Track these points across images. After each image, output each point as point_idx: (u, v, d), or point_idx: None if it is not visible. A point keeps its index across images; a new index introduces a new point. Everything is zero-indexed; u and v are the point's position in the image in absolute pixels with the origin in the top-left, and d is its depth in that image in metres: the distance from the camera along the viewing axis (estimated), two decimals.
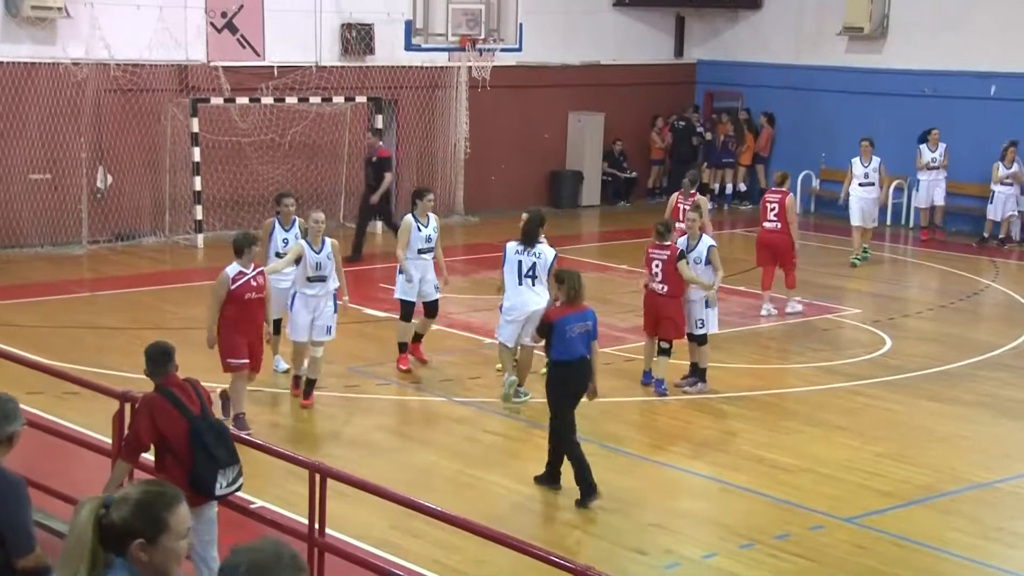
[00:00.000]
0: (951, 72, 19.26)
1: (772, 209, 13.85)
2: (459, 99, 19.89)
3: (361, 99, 18.92)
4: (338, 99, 18.72)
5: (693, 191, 13.82)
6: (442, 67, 19.82)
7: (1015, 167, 17.90)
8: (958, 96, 19.17)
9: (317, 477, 6.51)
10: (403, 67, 19.35)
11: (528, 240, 10.54)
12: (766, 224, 13.95)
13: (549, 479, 8.77)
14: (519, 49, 20.22)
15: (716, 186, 22.15)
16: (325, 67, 18.70)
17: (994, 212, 17.99)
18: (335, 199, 19.35)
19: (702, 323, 11.01)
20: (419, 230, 11.35)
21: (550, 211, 20.76)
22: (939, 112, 19.30)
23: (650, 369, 11.07)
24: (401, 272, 11.38)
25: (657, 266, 10.86)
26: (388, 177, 16.73)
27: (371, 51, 19.06)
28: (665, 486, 9.03)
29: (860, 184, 16.78)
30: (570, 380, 8.55)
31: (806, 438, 9.94)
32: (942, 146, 18.07)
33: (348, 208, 19.31)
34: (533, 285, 10.48)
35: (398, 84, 19.34)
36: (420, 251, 11.39)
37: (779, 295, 14.16)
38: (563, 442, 8.61)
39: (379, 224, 17.78)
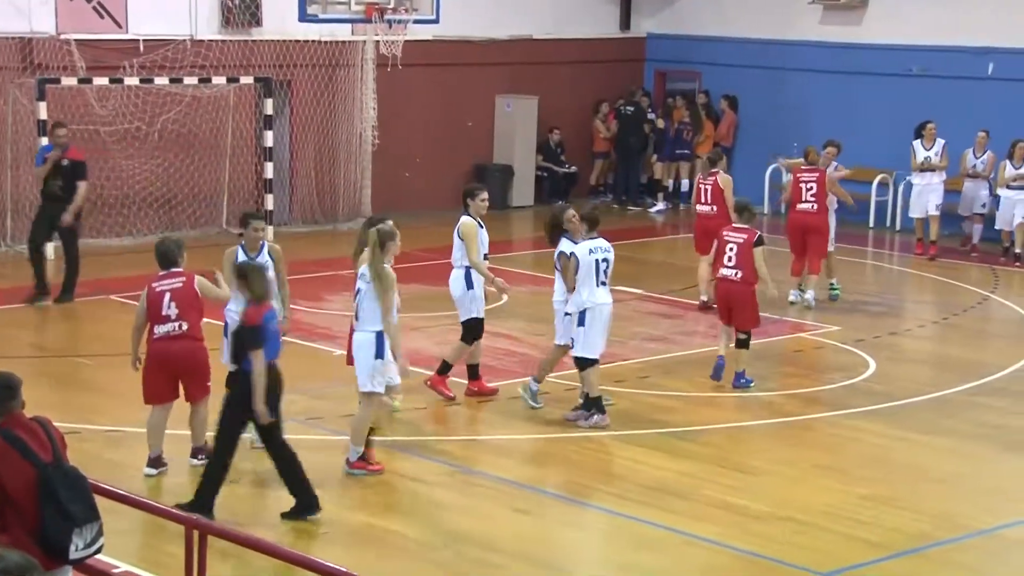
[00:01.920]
0: (942, 48, 19.67)
1: (809, 188, 15.03)
2: (365, 80, 19.84)
3: (247, 80, 18.78)
4: (219, 80, 18.56)
5: (714, 170, 14.86)
6: (344, 42, 19.76)
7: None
8: (951, 76, 19.57)
9: (195, 534, 6.42)
10: (297, 42, 19.26)
11: (553, 236, 11.17)
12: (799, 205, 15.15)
13: (302, 508, 8.92)
14: (436, 21, 20.23)
15: (670, 182, 22.36)
16: (202, 41, 18.54)
17: (1002, 220, 18.05)
18: (216, 199, 19.17)
19: (574, 342, 10.93)
20: (482, 228, 11.47)
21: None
22: (929, 94, 19.67)
23: (722, 358, 12.00)
24: (471, 286, 11.38)
25: (731, 249, 11.82)
26: (83, 187, 14.79)
27: (258, 22, 18.94)
28: (615, 537, 9.05)
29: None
30: (276, 382, 8.95)
31: (779, 480, 10.04)
32: (939, 142, 17.87)
33: (232, 210, 19.14)
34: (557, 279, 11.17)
35: (291, 62, 19.25)
36: (484, 256, 11.44)
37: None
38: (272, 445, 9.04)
39: (52, 247, 15.67)
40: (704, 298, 14.93)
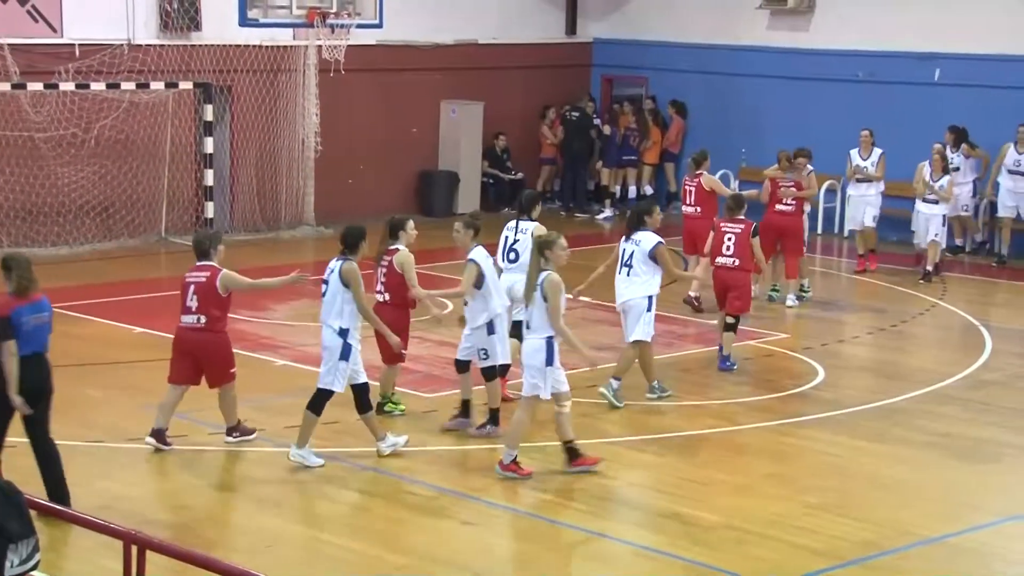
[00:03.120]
0: (889, 53, 19.92)
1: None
2: (307, 85, 19.79)
3: (186, 85, 18.68)
4: (157, 85, 18.45)
5: (699, 172, 15.48)
6: (286, 46, 19.70)
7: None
8: (897, 81, 19.83)
9: (134, 549, 6.37)
10: (237, 46, 19.17)
11: (632, 225, 11.96)
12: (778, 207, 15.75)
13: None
14: (379, 25, 20.19)
15: (617, 189, 22.46)
16: (140, 46, 18.42)
17: (917, 235, 17.57)
18: (155, 207, 19.04)
19: (486, 353, 10.93)
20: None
21: (420, 220, 20.85)
22: (876, 99, 19.91)
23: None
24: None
25: (730, 239, 12.93)
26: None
27: (197, 26, 18.84)
28: (563, 549, 9.07)
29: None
30: (28, 378, 8.90)
31: (728, 489, 10.11)
32: (876, 151, 17.50)
33: (171, 218, 19.01)
34: (628, 275, 11.83)
35: (232, 67, 19.15)
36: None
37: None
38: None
39: None
40: (693, 294, 15.33)
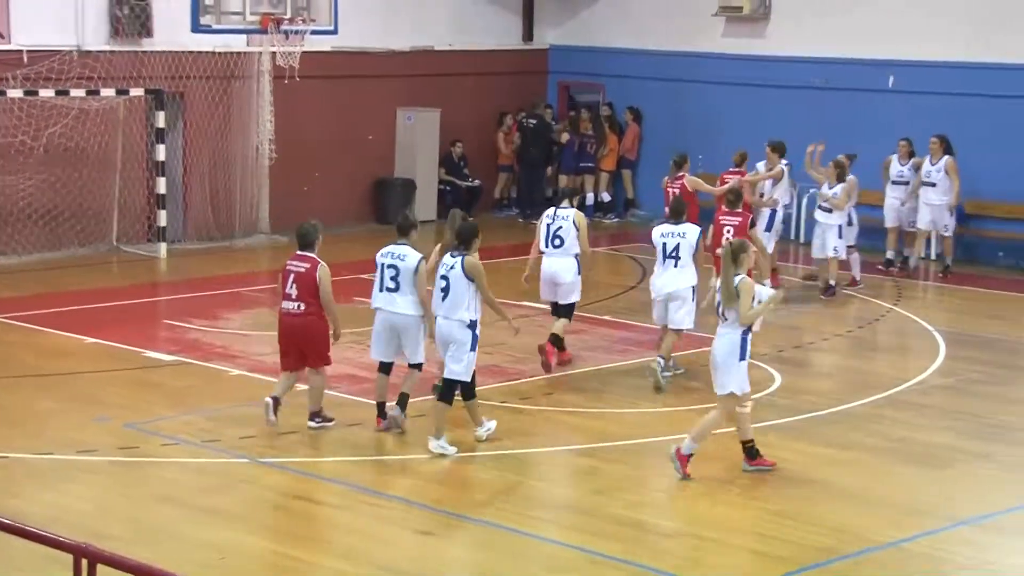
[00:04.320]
0: (844, 60, 20.11)
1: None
2: (261, 92, 19.75)
3: (137, 92, 18.59)
4: (107, 92, 18.34)
5: (680, 173, 15.77)
6: (239, 53, 19.64)
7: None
8: (852, 88, 20.02)
9: (84, 563, 6.34)
10: (190, 53, 19.10)
11: (674, 218, 12.89)
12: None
13: None
14: (335, 31, 20.17)
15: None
16: (90, 52, 18.31)
17: (815, 247, 17.29)
18: (106, 215, 18.92)
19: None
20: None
21: (376, 228, 20.94)
22: (832, 106, 20.10)
23: None
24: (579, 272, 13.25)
25: (728, 232, 13.76)
26: None
27: (148, 33, 18.75)
28: (521, 558, 9.09)
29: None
30: None
31: (686, 495, 10.17)
32: (851, 179, 16.81)
33: (123, 227, 18.90)
34: (676, 265, 12.70)
35: (184, 74, 19.08)
36: None
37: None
38: None
39: None
40: None
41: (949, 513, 9.87)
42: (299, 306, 10.98)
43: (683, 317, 12.86)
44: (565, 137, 22.33)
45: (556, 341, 13.22)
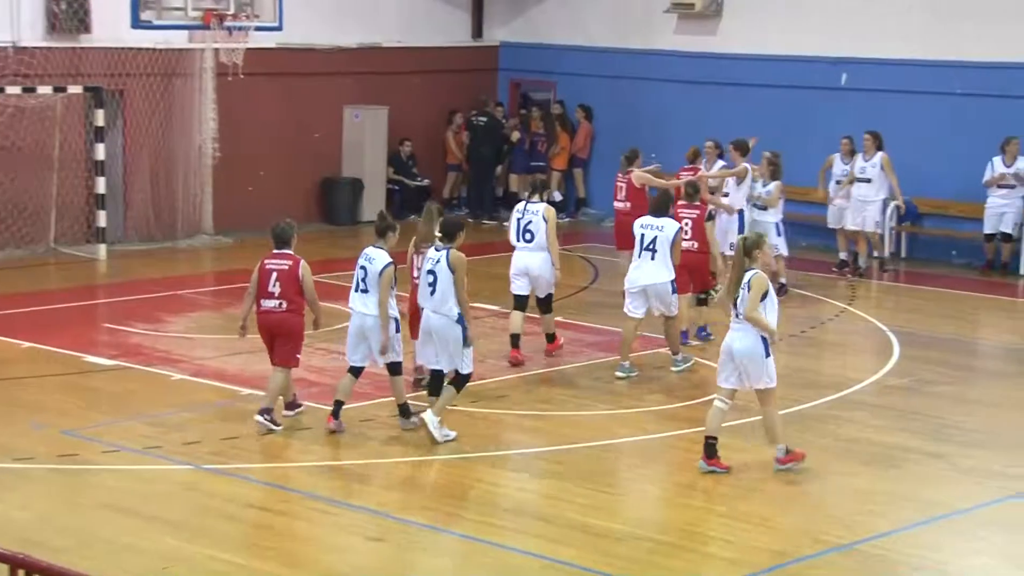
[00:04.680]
0: (796, 58, 20.27)
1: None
2: (204, 90, 19.61)
3: (75, 89, 18.41)
4: (44, 89, 18.16)
5: (630, 168, 16.12)
6: (181, 50, 19.51)
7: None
8: (805, 86, 20.18)
9: (21, 574, 6.28)
10: (130, 49, 18.94)
11: (656, 212, 13.21)
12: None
13: None
14: (279, 28, 20.12)
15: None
16: (26, 48, 18.12)
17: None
18: (43, 216, 18.72)
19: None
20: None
21: (323, 228, 20.87)
22: (783, 104, 20.25)
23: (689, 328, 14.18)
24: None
25: (687, 224, 13.98)
26: None
27: (87, 29, 18.58)
28: (474, 564, 9.09)
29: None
30: None
31: (640, 499, 10.21)
32: (774, 184, 16.87)
33: (61, 227, 18.73)
34: (652, 258, 12.98)
35: (124, 71, 18.92)
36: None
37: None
38: None
39: None
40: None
41: (903, 514, 9.97)
42: (281, 304, 11.18)
43: (671, 308, 13.25)
44: (516, 136, 22.35)
45: (548, 337, 13.84)
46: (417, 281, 11.78)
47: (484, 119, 22.33)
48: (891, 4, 19.68)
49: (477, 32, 23.43)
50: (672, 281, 13.09)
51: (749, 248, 10.48)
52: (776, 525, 9.69)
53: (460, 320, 10.91)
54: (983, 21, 18.89)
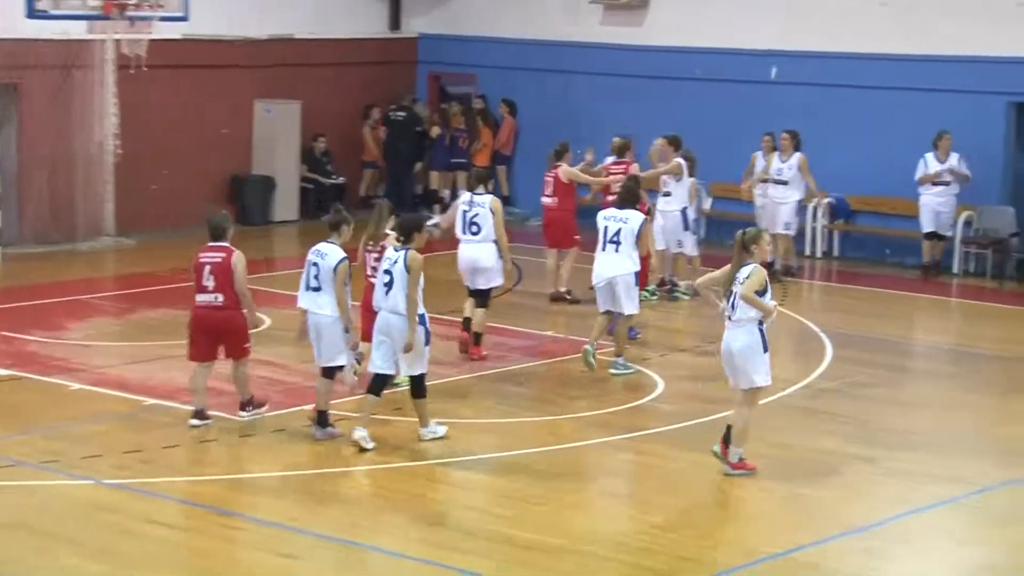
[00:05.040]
0: (726, 50, 20.44)
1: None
2: (105, 83, 19.41)
3: None
4: None
5: (558, 163, 16.31)
6: (80, 41, 19.28)
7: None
8: (734, 79, 20.36)
9: None
10: (26, 41, 18.69)
11: (621, 203, 13.49)
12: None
13: None
14: (185, 18, 19.93)
15: (447, 193, 22.55)
16: None
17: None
18: None
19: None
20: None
21: (234, 229, 20.57)
22: (713, 98, 20.42)
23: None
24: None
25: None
26: None
27: None
28: None
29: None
30: None
31: (567, 510, 10.21)
32: (690, 181, 16.95)
33: None
34: (617, 250, 13.24)
35: (19, 63, 18.67)
36: None
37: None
38: None
39: None
40: (563, 289, 16.33)
41: (837, 521, 10.07)
42: (217, 297, 11.35)
43: (631, 303, 13.40)
44: (436, 131, 22.31)
45: (476, 337, 13.87)
46: (370, 280, 11.98)
47: (402, 114, 22.28)
48: None
49: (395, 23, 23.38)
50: (636, 273, 13.38)
51: (747, 243, 10.62)
52: (706, 534, 9.76)
53: (421, 321, 11.05)
54: (913, 15, 19.15)
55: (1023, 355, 15.14)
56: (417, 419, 11.42)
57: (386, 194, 22.78)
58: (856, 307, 17.35)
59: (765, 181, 18.40)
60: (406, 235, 11.17)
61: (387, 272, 11.10)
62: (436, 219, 22.34)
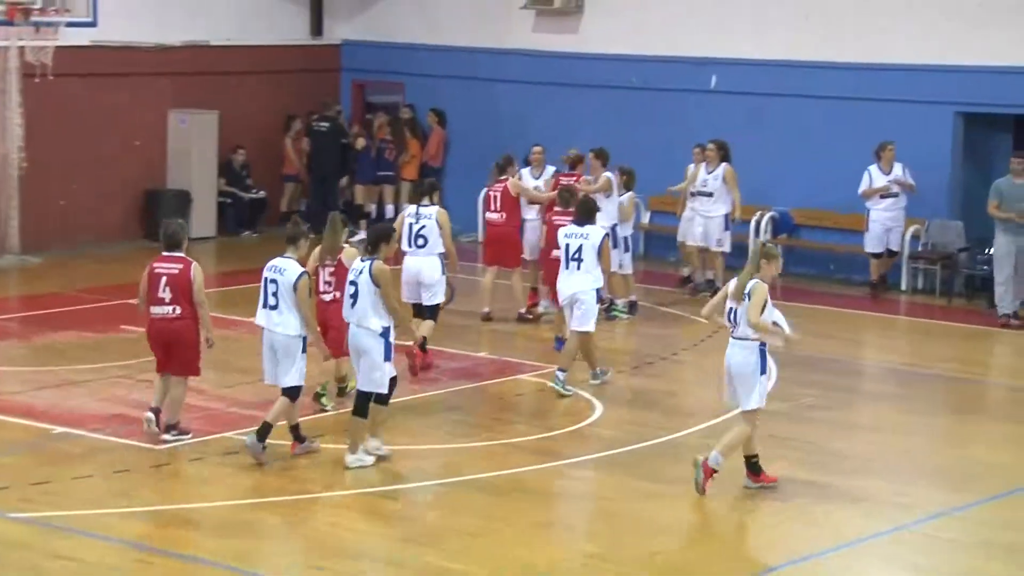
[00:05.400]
0: (664, 58, 20.53)
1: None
2: (8, 92, 19.22)
3: None
4: None
5: (503, 177, 16.45)
6: None
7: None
8: (672, 88, 20.44)
9: None
10: None
11: (580, 220, 13.72)
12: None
13: None
14: (94, 24, 19.75)
15: (372, 208, 22.44)
16: None
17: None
18: None
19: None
20: None
21: (146, 246, 20.46)
22: (650, 107, 20.48)
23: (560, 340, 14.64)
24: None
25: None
26: None
27: None
28: None
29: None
30: None
31: (499, 540, 10.15)
32: (630, 195, 17.19)
33: None
34: (579, 267, 13.54)
35: None
36: None
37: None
38: None
39: None
40: (523, 310, 16.52)
41: (786, 550, 10.08)
42: (174, 309, 11.49)
43: (585, 319, 13.58)
44: (361, 143, 22.19)
45: (421, 345, 13.95)
46: (322, 296, 12.32)
47: (326, 124, 22.14)
48: (761, 4, 20.01)
49: (317, 29, 23.28)
50: (597, 290, 13.68)
51: (766, 256, 10.88)
52: (646, 564, 9.72)
53: (384, 334, 11.07)
54: (859, 22, 19.31)
55: (974, 375, 15.29)
56: (348, 443, 11.32)
57: (308, 209, 22.73)
58: (801, 326, 17.15)
59: (693, 194, 18.22)
60: (373, 245, 11.32)
61: (352, 283, 11.19)
62: (361, 235, 22.32)
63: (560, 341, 14.62)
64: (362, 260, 11.31)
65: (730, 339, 10.93)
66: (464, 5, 22.22)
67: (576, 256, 13.60)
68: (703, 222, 18.09)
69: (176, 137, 21.43)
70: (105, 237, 20.14)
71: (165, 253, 11.62)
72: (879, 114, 19.05)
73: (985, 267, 18.12)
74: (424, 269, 14.15)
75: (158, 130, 21.28)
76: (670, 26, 20.53)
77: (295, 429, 11.50)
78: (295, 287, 11.27)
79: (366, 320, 11.07)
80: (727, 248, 18.15)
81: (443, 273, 14.20)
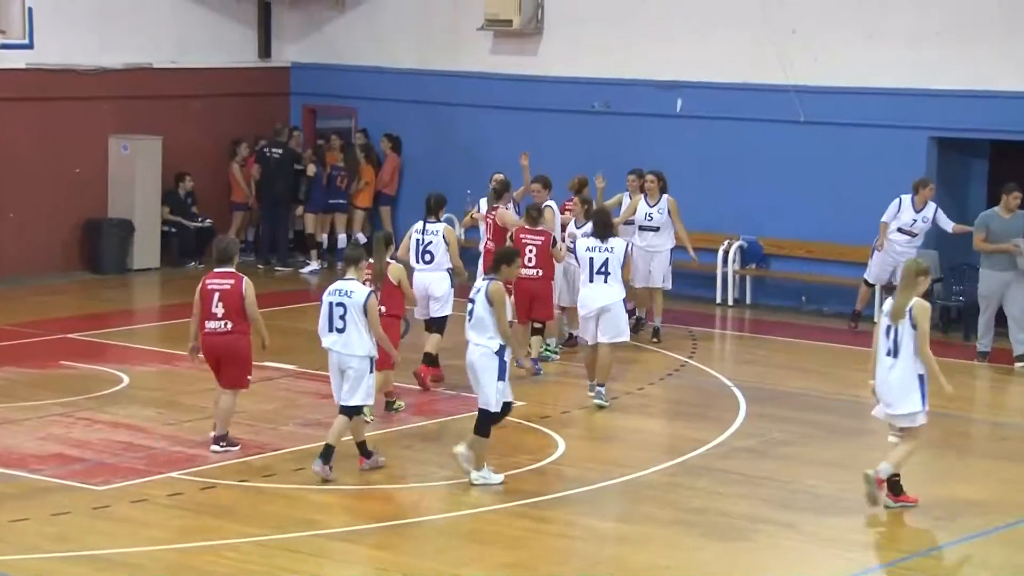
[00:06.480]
0: (627, 81, 20.67)
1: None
2: None
3: None
4: None
5: (497, 204, 16.56)
6: None
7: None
8: (637, 112, 20.58)
9: None
10: None
11: (601, 234, 14.52)
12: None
13: None
14: (30, 46, 19.75)
15: (324, 237, 22.49)
16: None
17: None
18: None
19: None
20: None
21: (86, 278, 20.43)
22: (613, 131, 20.58)
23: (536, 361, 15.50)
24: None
25: (531, 251, 15.52)
26: None
27: None
28: None
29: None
30: None
31: None
32: (585, 220, 16.27)
33: None
34: (606, 281, 14.44)
35: None
36: None
37: None
38: None
39: None
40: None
41: None
42: (225, 324, 12.36)
43: (618, 330, 14.54)
44: (312, 170, 22.22)
45: (429, 359, 14.91)
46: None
47: (279, 151, 22.11)
48: (729, 26, 20.12)
49: (265, 51, 23.35)
50: (625, 300, 14.80)
51: (916, 274, 11.63)
52: None
53: (500, 353, 11.85)
54: (830, 45, 19.41)
55: (951, 410, 15.39)
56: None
57: (257, 238, 22.75)
58: (771, 359, 17.54)
59: (628, 224, 17.73)
60: (495, 265, 12.28)
61: (471, 300, 12.04)
62: (314, 266, 22.36)
63: (536, 360, 15.69)
64: (483, 279, 12.18)
65: (889, 359, 11.52)
66: (419, 27, 22.32)
67: (602, 269, 14.45)
68: (648, 258, 17.69)
69: (117, 164, 21.42)
70: (43, 269, 20.08)
71: (217, 269, 12.49)
72: (853, 139, 19.20)
73: (961, 299, 18.28)
74: (432, 284, 14.99)
75: (98, 157, 21.28)
76: (634, 48, 20.61)
77: (361, 445, 12.22)
78: (365, 308, 12.00)
79: (483, 338, 11.84)
80: (670, 286, 17.95)
81: (451, 287, 15.05)
